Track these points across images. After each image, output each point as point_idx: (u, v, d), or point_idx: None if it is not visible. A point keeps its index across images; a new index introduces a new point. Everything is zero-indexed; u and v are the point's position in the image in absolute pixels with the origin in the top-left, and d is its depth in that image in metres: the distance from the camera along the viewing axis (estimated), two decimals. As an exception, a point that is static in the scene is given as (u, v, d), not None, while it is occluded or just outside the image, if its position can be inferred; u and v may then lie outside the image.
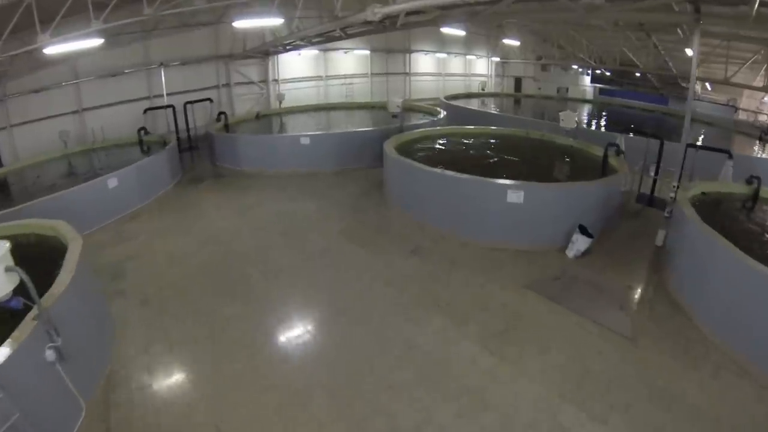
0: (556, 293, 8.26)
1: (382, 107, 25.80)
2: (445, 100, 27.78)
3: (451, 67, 36.54)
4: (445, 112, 20.73)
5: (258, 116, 23.52)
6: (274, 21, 12.09)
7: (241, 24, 12.29)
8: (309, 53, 27.14)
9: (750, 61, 23.25)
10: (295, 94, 26.99)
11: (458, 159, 13.31)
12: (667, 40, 27.08)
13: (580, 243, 9.44)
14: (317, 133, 17.90)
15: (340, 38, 18.06)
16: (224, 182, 15.81)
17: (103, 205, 12.36)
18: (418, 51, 33.25)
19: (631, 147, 13.21)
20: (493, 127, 17.40)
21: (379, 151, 13.74)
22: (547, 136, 15.61)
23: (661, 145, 12.45)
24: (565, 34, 30.70)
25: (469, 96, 33.89)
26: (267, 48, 21.72)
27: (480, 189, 10.45)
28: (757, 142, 25.76)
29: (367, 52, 30.02)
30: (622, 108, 36.11)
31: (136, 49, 20.39)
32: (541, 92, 39.17)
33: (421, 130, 16.29)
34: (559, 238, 10.04)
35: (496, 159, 13.93)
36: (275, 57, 25.98)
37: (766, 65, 23.72)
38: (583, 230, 9.52)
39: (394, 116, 16.36)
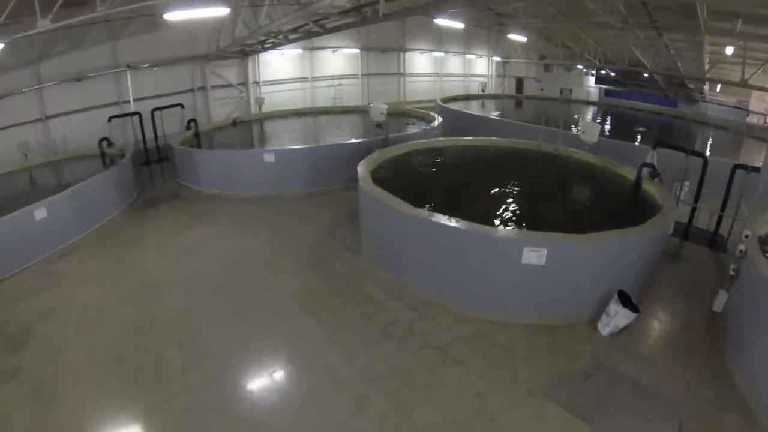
0: (589, 406, 5.80)
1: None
2: (441, 104, 25.44)
3: (449, 67, 34.19)
4: (440, 119, 18.41)
5: (235, 123, 21.22)
6: (218, 11, 9.68)
7: (174, 17, 9.80)
8: (293, 52, 24.82)
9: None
10: (278, 98, 24.72)
11: (455, 185, 10.84)
12: (678, 40, 25.51)
13: (619, 318, 6.97)
14: (284, 148, 15.06)
15: (318, 33, 15.86)
16: (178, 208, 13.43)
17: (29, 240, 10.26)
18: (413, 49, 30.98)
19: (663, 163, 11.02)
20: (496, 139, 14.88)
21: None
22: (562, 150, 13.19)
23: (705, 164, 10.14)
24: (570, 32, 28.74)
25: (468, 98, 31.51)
26: (238, 46, 19.27)
27: (485, 244, 7.55)
28: None
29: (357, 50, 27.67)
30: (630, 111, 34.12)
31: (103, 51, 18.49)
32: (543, 93, 37.06)
33: (410, 143, 13.67)
34: (588, 305, 7.58)
35: (502, 185, 11.26)
36: (255, 57, 23.67)
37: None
38: (624, 299, 7.05)
39: (378, 126, 13.97)
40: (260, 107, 23.22)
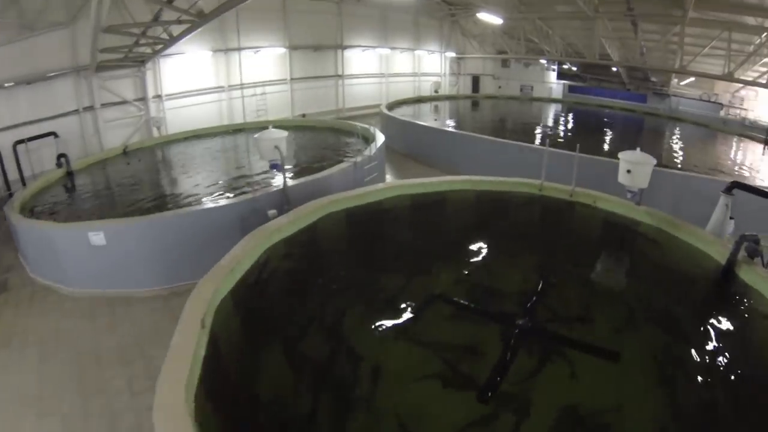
0: None
1: (305, 127, 19.28)
2: (387, 112, 21.12)
3: (397, 66, 30.15)
4: (383, 138, 14.14)
5: (125, 151, 16.59)
6: None
7: None
8: (203, 55, 20.22)
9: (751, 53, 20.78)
10: (188, 114, 20.15)
11: (394, 326, 5.66)
12: (651, 32, 24.63)
13: None
14: (120, 222, 8.77)
15: (197, 24, 11.68)
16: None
17: None
18: (353, 47, 26.70)
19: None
20: (468, 179, 9.58)
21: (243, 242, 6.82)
22: (580, 197, 8.50)
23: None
24: (533, 23, 25.58)
25: (419, 101, 27.50)
26: (102, 51, 14.76)
27: None
28: (764, 147, 22.05)
29: (284, 50, 23.17)
30: (599, 108, 31.24)
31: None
32: (502, 92, 33.62)
33: (323, 202, 8.20)
34: None
35: (487, 299, 6.17)
36: (155, 64, 19.01)
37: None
38: None
39: (273, 167, 8.78)
40: (159, 129, 18.64)
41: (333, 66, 26.12)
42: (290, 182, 9.60)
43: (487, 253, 7.48)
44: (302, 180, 10.30)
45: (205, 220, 8.85)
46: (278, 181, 9.65)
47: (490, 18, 22.53)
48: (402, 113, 22.66)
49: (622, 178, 7.30)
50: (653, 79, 37.47)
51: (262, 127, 18.74)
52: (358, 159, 11.65)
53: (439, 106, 27.81)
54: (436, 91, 29.80)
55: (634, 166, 7.10)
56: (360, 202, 8.72)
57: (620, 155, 7.30)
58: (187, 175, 14.03)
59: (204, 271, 5.72)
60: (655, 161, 7.22)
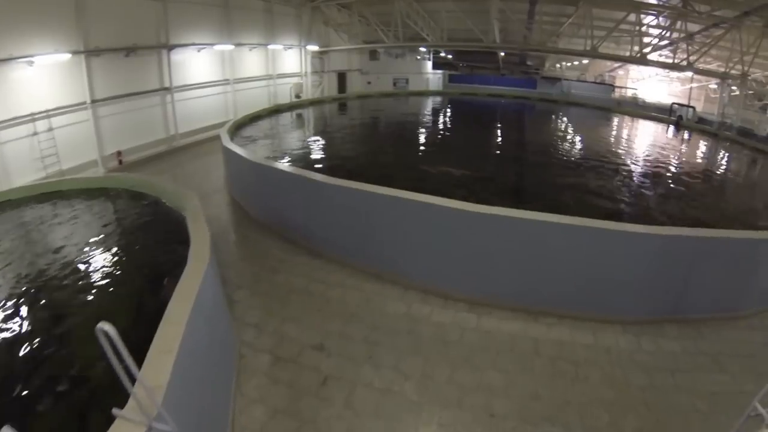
0: None
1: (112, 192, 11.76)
2: (230, 146, 13.02)
3: (246, 68, 24.04)
4: (203, 219, 7.25)
5: None
6: None
7: None
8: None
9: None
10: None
11: None
12: (549, 13, 23.99)
13: None
14: None
15: None
16: None
17: None
18: (184, 45, 19.99)
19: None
20: None
21: None
22: None
23: None
24: (411, 7, 21.74)
25: (278, 111, 21.75)
26: None
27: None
28: (673, 128, 21.83)
29: (75, 56, 15.62)
30: (491, 98, 28.19)
31: None
32: (372, 88, 29.37)
33: None
34: None
35: None
36: None
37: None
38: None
39: None
40: None
41: (157, 76, 19.06)
42: None
43: None
44: None
45: None
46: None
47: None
48: (258, 132, 17.06)
49: None
50: (528, 62, 37.11)
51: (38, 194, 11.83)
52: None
53: (303, 114, 22.40)
54: (297, 96, 24.39)
55: None
56: None
57: None
58: None
59: None
60: None
